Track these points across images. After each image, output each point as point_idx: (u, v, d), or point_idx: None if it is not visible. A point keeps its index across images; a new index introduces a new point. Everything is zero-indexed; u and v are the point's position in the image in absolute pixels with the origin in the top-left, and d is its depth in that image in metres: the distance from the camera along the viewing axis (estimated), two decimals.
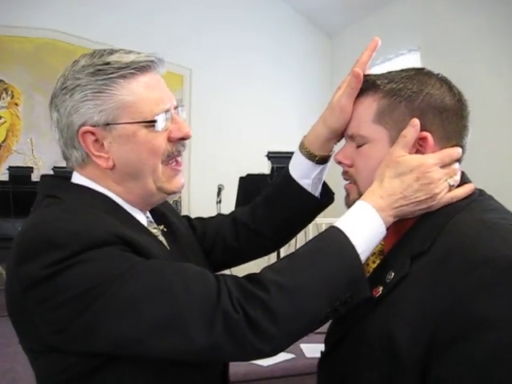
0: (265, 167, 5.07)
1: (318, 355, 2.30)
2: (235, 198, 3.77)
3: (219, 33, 6.22)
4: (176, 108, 0.92)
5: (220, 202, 4.06)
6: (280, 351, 0.78)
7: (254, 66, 6.42)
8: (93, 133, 0.85)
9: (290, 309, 0.75)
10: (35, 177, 4.81)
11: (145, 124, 0.86)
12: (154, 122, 0.86)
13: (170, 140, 0.89)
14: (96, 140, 0.86)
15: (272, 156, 3.61)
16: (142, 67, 0.87)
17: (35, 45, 5.57)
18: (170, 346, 0.74)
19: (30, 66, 5.56)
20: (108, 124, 0.85)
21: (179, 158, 0.93)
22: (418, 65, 5.21)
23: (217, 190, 4.11)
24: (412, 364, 0.75)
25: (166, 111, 0.88)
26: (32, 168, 4.82)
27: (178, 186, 0.93)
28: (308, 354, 2.26)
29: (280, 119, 6.53)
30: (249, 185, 3.70)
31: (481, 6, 4.51)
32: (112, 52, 0.87)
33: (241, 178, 3.80)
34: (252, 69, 6.40)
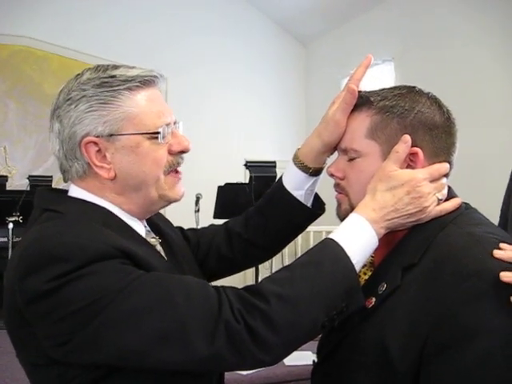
0: (242, 176, 5.09)
1: (297, 363, 2.33)
2: (213, 207, 3.77)
3: (194, 41, 6.23)
4: (175, 123, 0.95)
5: (198, 211, 4.05)
6: (279, 360, 0.80)
7: (230, 74, 6.45)
8: (96, 143, 0.86)
9: (290, 319, 0.77)
10: (9, 185, 4.72)
11: (148, 135, 0.88)
12: (158, 133, 0.88)
13: (170, 153, 0.92)
14: (98, 150, 0.87)
15: (250, 165, 3.62)
16: (147, 81, 0.89)
17: (10, 52, 5.50)
18: (173, 357, 0.75)
19: (4, 73, 5.48)
20: (112, 135, 0.86)
21: (178, 168, 0.95)
22: (391, 75, 5.34)
23: (195, 199, 4.09)
24: (405, 371, 0.77)
25: (167, 124, 0.91)
26: (6, 177, 4.73)
27: (179, 194, 0.95)
28: (287, 362, 2.26)
29: (256, 128, 6.57)
30: (227, 194, 3.71)
31: (456, 18, 4.62)
32: (116, 67, 0.90)
33: (219, 187, 3.81)
34: (228, 77, 6.42)
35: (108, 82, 0.86)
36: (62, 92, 0.89)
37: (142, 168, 0.88)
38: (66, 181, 0.93)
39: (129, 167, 0.88)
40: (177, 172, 0.95)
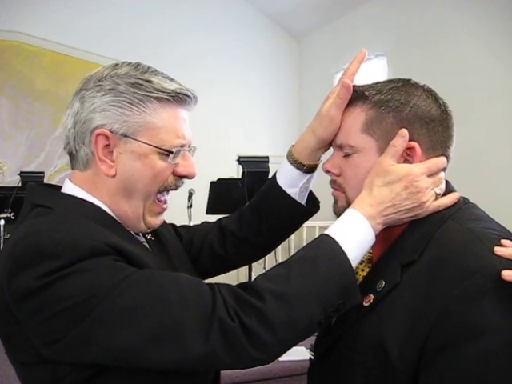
0: (235, 171, 5.08)
1: (292, 358, 2.33)
2: (206, 202, 3.76)
3: (187, 37, 6.20)
4: (189, 146, 0.94)
5: (191, 206, 4.03)
6: (275, 359, 0.79)
7: (223, 69, 6.42)
8: (107, 137, 0.85)
9: (286, 317, 0.76)
10: (0, 182, 4.69)
11: (160, 150, 0.87)
12: (170, 152, 0.88)
13: (173, 173, 0.91)
14: (107, 145, 0.86)
15: (243, 161, 3.61)
16: (179, 98, 0.89)
17: (0, 47, 5.44)
18: (167, 356, 0.74)
19: None
20: (126, 136, 0.86)
21: (167, 197, 0.94)
22: (384, 70, 5.34)
23: (187, 194, 4.08)
24: (404, 370, 0.76)
25: (182, 146, 0.90)
26: None
27: (157, 223, 0.94)
28: (281, 358, 2.26)
29: (249, 123, 6.56)
30: (220, 189, 3.69)
31: (449, 12, 4.62)
32: (156, 73, 0.89)
33: (212, 183, 3.79)
34: (221, 73, 6.40)
35: (143, 85, 0.86)
36: (93, 76, 0.88)
37: (143, 177, 0.87)
38: (73, 168, 0.92)
39: (131, 172, 0.87)
40: (164, 202, 0.94)
